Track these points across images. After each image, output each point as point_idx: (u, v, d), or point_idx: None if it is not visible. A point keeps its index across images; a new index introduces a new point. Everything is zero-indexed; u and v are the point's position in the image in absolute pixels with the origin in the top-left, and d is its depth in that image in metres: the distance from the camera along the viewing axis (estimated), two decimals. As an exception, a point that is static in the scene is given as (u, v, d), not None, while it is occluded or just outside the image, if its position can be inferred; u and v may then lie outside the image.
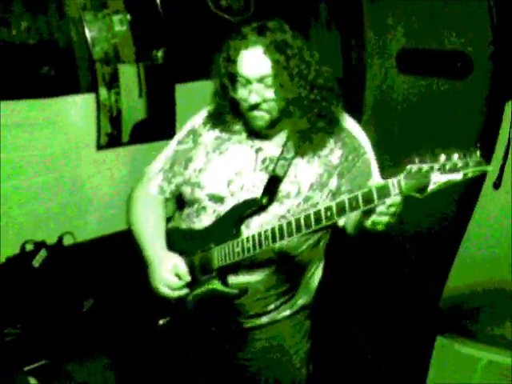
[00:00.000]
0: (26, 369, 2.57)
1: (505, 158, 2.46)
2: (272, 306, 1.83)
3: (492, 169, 1.24)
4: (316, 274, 1.93)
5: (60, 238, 3.04)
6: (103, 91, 3.03)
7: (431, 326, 2.81)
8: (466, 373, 2.67)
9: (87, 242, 3.10)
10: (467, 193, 2.61)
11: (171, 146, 1.89)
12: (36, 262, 2.89)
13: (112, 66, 3.03)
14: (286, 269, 1.79)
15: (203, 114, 1.87)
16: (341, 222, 1.66)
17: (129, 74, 3.10)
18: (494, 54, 2.37)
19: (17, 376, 2.37)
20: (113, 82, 3.05)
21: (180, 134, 1.89)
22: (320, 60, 1.67)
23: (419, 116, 2.70)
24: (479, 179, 2.55)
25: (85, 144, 3.09)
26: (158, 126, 3.21)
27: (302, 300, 1.91)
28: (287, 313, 1.88)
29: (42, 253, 2.92)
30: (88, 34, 2.91)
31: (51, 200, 3.02)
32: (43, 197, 2.98)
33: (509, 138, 2.43)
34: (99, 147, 3.13)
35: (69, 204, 3.08)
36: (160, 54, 3.18)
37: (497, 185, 2.49)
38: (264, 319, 1.85)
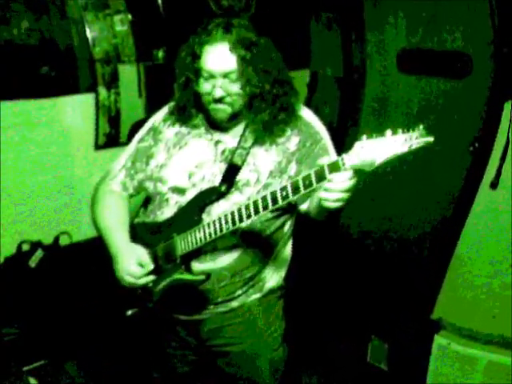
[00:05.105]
0: (25, 369, 2.57)
1: (503, 157, 2.47)
2: (239, 292, 1.85)
3: (433, 140, 1.29)
4: (283, 258, 1.94)
5: (56, 238, 3.03)
6: (103, 91, 3.03)
7: (428, 325, 2.81)
8: (465, 373, 2.67)
9: (83, 242, 3.08)
10: (465, 192, 2.62)
11: (133, 144, 1.93)
12: (32, 262, 2.87)
13: (112, 65, 3.03)
14: (251, 255, 1.81)
15: (163, 111, 1.91)
16: (303, 206, 1.71)
17: (129, 74, 3.11)
18: (494, 53, 2.40)
19: (16, 376, 2.35)
20: (112, 82, 3.05)
21: (141, 132, 1.93)
22: (280, 57, 1.74)
23: (419, 116, 2.71)
24: (478, 179, 2.57)
25: (83, 144, 3.09)
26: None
27: (271, 283, 1.92)
28: (257, 296, 1.90)
29: (39, 253, 2.90)
30: (89, 34, 2.92)
31: (48, 200, 3.01)
32: (40, 196, 2.97)
33: (507, 138, 2.44)
34: (97, 147, 3.13)
35: (66, 204, 3.08)
36: (160, 53, 3.18)
37: (495, 185, 2.51)
38: (234, 303, 1.87)
